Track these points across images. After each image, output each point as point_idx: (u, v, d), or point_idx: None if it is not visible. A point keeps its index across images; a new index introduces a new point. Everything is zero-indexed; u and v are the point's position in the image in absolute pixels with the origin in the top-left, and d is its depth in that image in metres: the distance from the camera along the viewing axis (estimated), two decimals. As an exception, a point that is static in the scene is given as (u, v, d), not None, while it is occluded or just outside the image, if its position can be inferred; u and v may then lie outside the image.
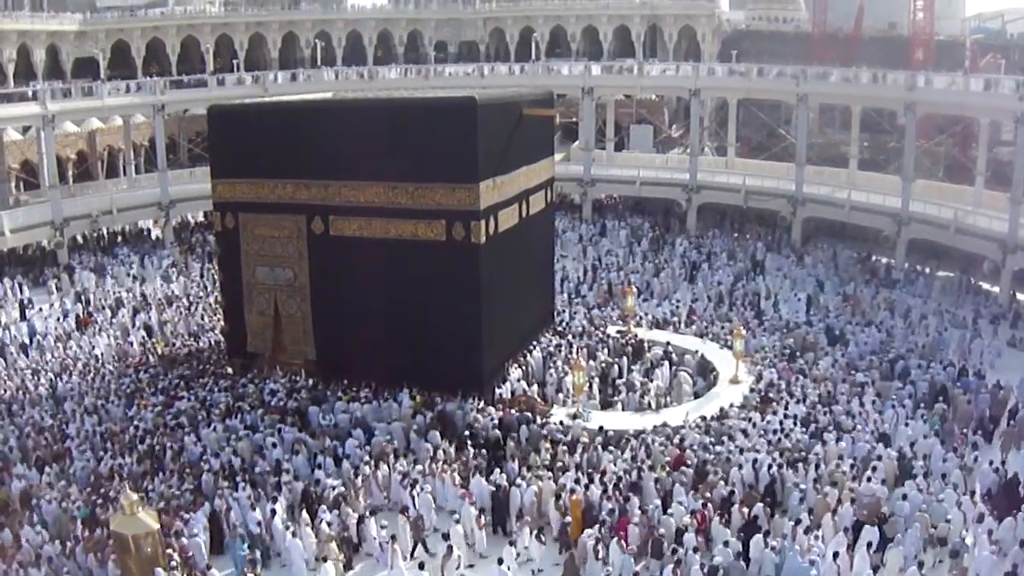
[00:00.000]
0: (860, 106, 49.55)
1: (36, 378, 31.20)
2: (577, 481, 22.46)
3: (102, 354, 33.54)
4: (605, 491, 21.94)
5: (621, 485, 22.46)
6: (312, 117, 30.62)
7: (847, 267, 43.71)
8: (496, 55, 75.42)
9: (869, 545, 19.64)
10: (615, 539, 19.90)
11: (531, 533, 21.04)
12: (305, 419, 26.61)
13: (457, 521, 20.98)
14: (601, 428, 25.62)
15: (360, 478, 23.28)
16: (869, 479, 22.25)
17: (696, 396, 29.25)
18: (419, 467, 23.61)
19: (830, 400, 27.55)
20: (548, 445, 24.69)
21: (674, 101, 67.08)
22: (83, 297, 41.02)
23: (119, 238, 51.40)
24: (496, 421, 25.87)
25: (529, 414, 26.32)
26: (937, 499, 21.54)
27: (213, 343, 34.44)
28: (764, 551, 19.56)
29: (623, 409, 28.33)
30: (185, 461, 24.32)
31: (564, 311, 36.67)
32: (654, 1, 71.03)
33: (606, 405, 28.69)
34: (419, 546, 21.17)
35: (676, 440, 24.71)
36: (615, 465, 23.44)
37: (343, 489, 22.70)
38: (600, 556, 19.53)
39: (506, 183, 29.07)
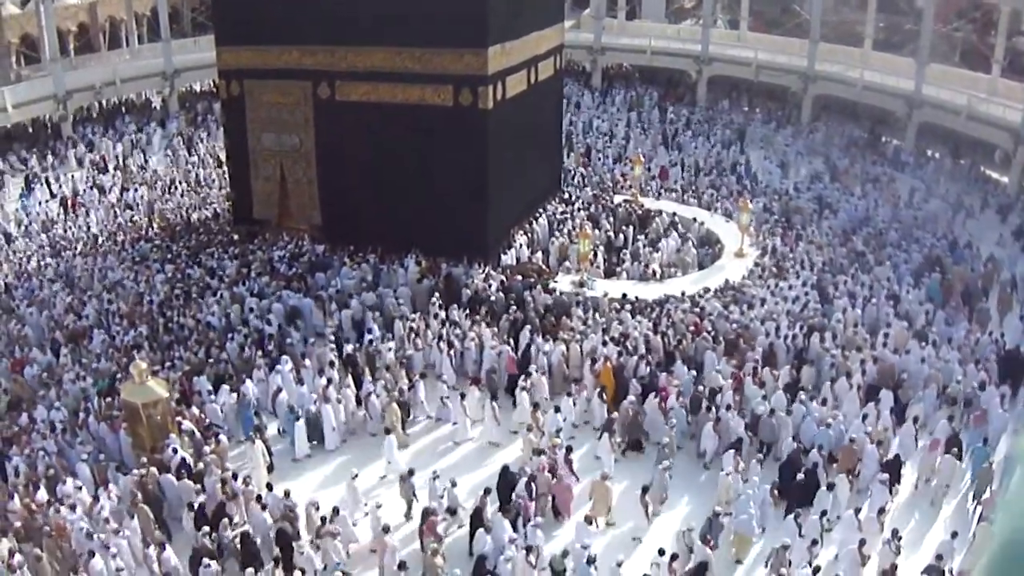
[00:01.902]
0: (877, -15, 48.14)
1: (30, 260, 30.82)
2: (605, 344, 22.82)
3: (101, 231, 33.45)
4: (642, 357, 22.20)
5: (652, 350, 22.79)
6: (317, -20, 29.94)
7: (852, 145, 43.61)
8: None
9: (891, 411, 20.22)
10: (674, 395, 20.49)
11: (595, 392, 21.40)
12: (311, 284, 26.96)
13: (523, 389, 21.15)
14: (624, 296, 25.84)
15: (418, 339, 23.56)
16: (885, 344, 22.92)
17: (700, 268, 29.46)
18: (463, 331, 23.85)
19: (835, 268, 27.98)
20: (579, 311, 24.96)
21: (688, -28, 65.28)
22: (98, 167, 40.96)
23: (122, 109, 50.90)
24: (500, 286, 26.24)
25: (533, 280, 26.62)
26: (944, 360, 22.26)
27: (215, 212, 34.62)
28: (795, 405, 20.14)
29: (627, 278, 28.60)
30: (215, 330, 24.35)
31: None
32: None
33: (610, 274, 28.94)
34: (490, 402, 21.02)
35: (696, 309, 25.01)
36: (636, 332, 23.73)
37: (405, 351, 23.04)
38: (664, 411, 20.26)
39: (515, 48, 28.67)
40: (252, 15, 29.39)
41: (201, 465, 18.36)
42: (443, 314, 24.71)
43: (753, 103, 50.51)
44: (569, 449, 18.61)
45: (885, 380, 21.24)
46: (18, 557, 15.72)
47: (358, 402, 21.25)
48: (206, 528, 16.31)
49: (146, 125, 46.99)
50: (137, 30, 56.31)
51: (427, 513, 16.55)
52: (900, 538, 15.82)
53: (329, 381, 21.37)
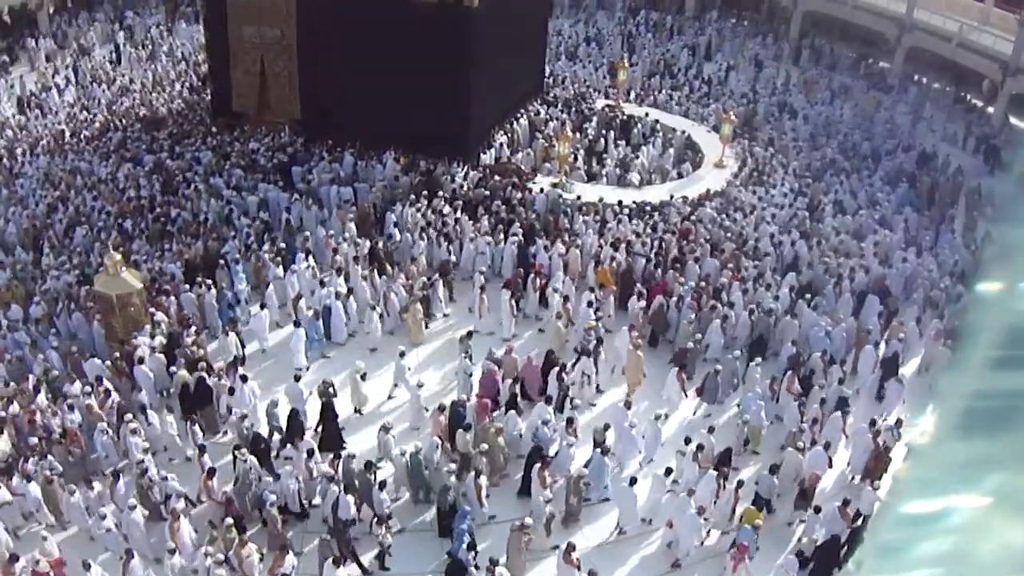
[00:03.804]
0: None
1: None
2: (601, 247, 22.98)
3: (67, 127, 32.72)
4: (649, 260, 22.32)
5: (653, 253, 22.94)
6: None
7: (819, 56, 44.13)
8: None
9: (880, 315, 20.84)
10: (688, 295, 20.81)
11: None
12: (288, 177, 26.69)
13: (556, 289, 21.22)
14: (620, 202, 25.82)
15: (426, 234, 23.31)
16: (875, 254, 23.51)
17: (680, 176, 29.47)
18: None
19: (814, 174, 28.44)
20: (583, 216, 24.94)
21: None
22: (84, 50, 40.36)
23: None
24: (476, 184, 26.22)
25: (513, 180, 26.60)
26: (928, 270, 22.89)
27: (196, 103, 34.12)
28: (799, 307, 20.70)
29: (606, 183, 28.60)
30: (211, 222, 24.10)
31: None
32: None
33: (591, 177, 28.93)
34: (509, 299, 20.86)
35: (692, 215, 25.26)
36: (634, 236, 23.76)
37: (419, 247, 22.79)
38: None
39: (503, -55, 28.03)
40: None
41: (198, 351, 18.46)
42: (447, 208, 24.64)
43: (741, 16, 50.03)
44: (600, 341, 19.08)
45: (875, 287, 21.80)
46: (33, 460, 15.45)
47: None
48: (236, 410, 16.83)
49: (122, 16, 45.85)
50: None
51: (442, 408, 16.75)
52: (902, 425, 16.79)
53: (349, 288, 20.97)
